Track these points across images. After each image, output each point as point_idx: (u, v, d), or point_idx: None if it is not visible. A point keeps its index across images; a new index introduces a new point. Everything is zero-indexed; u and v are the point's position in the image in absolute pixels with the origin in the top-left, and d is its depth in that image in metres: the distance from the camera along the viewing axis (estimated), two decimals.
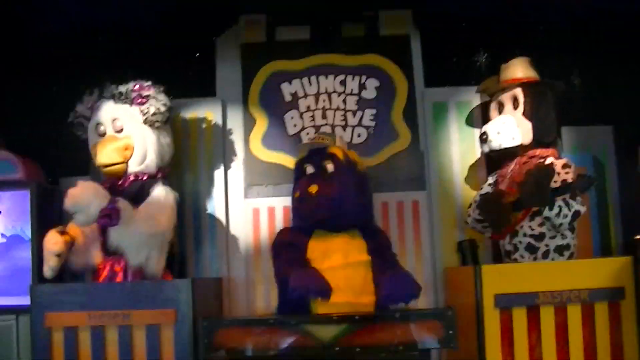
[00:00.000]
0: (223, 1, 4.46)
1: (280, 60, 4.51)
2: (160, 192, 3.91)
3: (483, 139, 4.08)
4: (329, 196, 3.75)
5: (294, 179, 3.99)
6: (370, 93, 4.47)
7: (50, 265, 3.70)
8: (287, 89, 4.48)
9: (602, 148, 4.45)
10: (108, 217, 3.65)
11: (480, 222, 4.12)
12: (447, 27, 4.58)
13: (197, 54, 4.68)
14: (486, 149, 4.11)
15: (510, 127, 4.01)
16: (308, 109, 4.46)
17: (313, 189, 3.74)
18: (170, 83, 4.12)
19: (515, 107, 4.06)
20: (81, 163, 4.31)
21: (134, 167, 3.94)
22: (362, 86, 4.47)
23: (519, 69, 4.13)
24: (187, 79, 4.59)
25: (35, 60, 4.66)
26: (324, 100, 4.46)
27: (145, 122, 3.95)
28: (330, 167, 3.86)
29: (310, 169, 3.89)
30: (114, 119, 3.96)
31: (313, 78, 4.48)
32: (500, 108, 4.16)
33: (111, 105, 3.98)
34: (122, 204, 3.71)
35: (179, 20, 4.54)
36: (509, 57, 4.19)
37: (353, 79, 4.47)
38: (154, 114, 3.95)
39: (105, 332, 3.61)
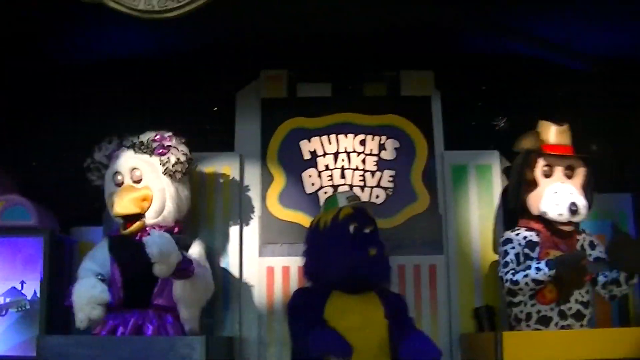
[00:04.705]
0: (245, 56, 4.47)
1: (301, 117, 4.47)
2: (202, 252, 3.97)
3: (573, 210, 3.87)
4: (386, 260, 3.77)
5: (330, 235, 3.79)
6: (389, 154, 4.42)
7: (93, 316, 3.58)
8: (306, 147, 4.43)
9: (621, 215, 4.41)
10: (186, 270, 3.63)
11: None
12: (468, 90, 4.64)
13: (217, 108, 4.67)
14: (567, 219, 3.91)
15: (583, 200, 3.93)
16: (327, 167, 4.40)
17: (373, 251, 3.68)
18: (189, 136, 4.09)
19: (569, 176, 3.99)
20: (94, 213, 4.25)
21: (151, 219, 3.87)
22: (381, 146, 4.42)
23: (568, 137, 4.06)
24: (206, 133, 4.59)
25: (52, 106, 4.66)
26: (342, 160, 4.41)
27: (165, 172, 3.90)
28: (368, 230, 3.80)
29: (355, 230, 3.77)
30: (133, 169, 3.91)
31: (333, 137, 4.44)
32: (549, 172, 4.02)
33: (131, 155, 3.94)
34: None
35: (200, 73, 4.56)
36: (527, 123, 4.13)
37: (373, 139, 4.43)
38: (175, 164, 3.89)
39: None
